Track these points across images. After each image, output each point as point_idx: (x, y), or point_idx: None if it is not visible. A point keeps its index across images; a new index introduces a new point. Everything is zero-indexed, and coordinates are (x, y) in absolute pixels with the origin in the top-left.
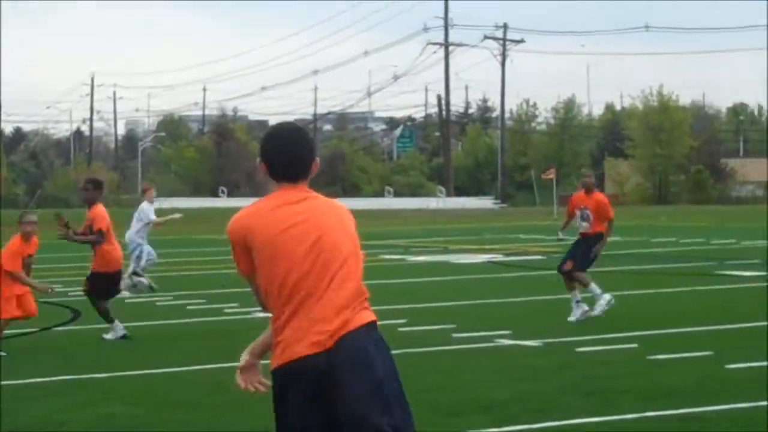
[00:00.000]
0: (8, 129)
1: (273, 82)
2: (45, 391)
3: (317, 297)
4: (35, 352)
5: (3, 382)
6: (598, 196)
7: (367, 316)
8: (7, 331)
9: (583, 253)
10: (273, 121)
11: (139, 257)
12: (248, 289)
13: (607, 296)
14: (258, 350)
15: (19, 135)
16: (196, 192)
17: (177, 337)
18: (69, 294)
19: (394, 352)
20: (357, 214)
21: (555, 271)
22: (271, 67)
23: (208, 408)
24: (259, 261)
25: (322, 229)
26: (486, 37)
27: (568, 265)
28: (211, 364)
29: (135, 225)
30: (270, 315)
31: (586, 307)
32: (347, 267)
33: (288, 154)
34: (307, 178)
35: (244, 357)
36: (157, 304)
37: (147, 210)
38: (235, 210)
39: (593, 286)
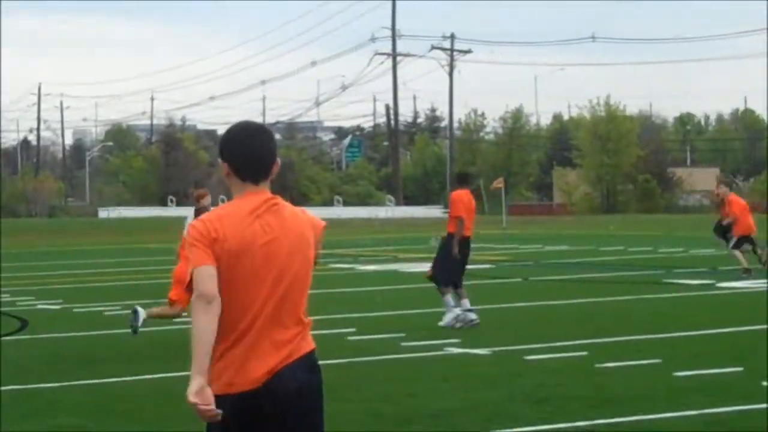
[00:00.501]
0: None
1: (221, 91)
2: None
3: (270, 325)
4: None
5: None
6: (454, 191)
7: (307, 345)
8: None
9: (442, 260)
10: (221, 130)
11: None
12: None
13: (457, 311)
14: (207, 366)
15: None
16: (145, 201)
17: (124, 346)
18: (17, 303)
19: (342, 361)
20: None
21: (503, 280)
22: (219, 76)
23: (156, 419)
24: (220, 273)
25: (288, 250)
26: (433, 48)
27: (429, 272)
28: (159, 373)
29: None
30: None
31: (458, 313)
32: (302, 295)
33: (251, 153)
34: (269, 178)
35: (199, 381)
36: (105, 313)
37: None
38: (183, 219)
39: (447, 298)
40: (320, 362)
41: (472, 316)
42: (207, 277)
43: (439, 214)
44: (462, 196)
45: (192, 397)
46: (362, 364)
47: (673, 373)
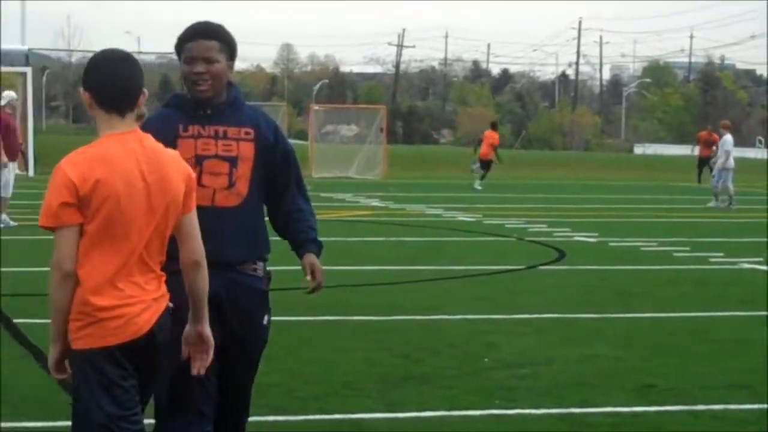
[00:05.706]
0: (495, 70)
1: (762, 30)
2: (530, 327)
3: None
4: (520, 289)
5: (494, 317)
6: None
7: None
8: (493, 267)
9: None
10: (760, 70)
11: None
12: (735, 239)
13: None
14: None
15: (505, 76)
16: (680, 139)
17: (663, 283)
18: (554, 234)
19: None
20: None
21: None
22: (762, 15)
23: (694, 356)
24: (95, 216)
25: (166, 186)
26: None
27: None
28: (697, 312)
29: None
30: None
31: None
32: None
33: (116, 80)
34: (135, 111)
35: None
36: (642, 249)
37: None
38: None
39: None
40: None
41: None
42: (68, 245)
43: None
44: None
45: None
46: None
47: None
